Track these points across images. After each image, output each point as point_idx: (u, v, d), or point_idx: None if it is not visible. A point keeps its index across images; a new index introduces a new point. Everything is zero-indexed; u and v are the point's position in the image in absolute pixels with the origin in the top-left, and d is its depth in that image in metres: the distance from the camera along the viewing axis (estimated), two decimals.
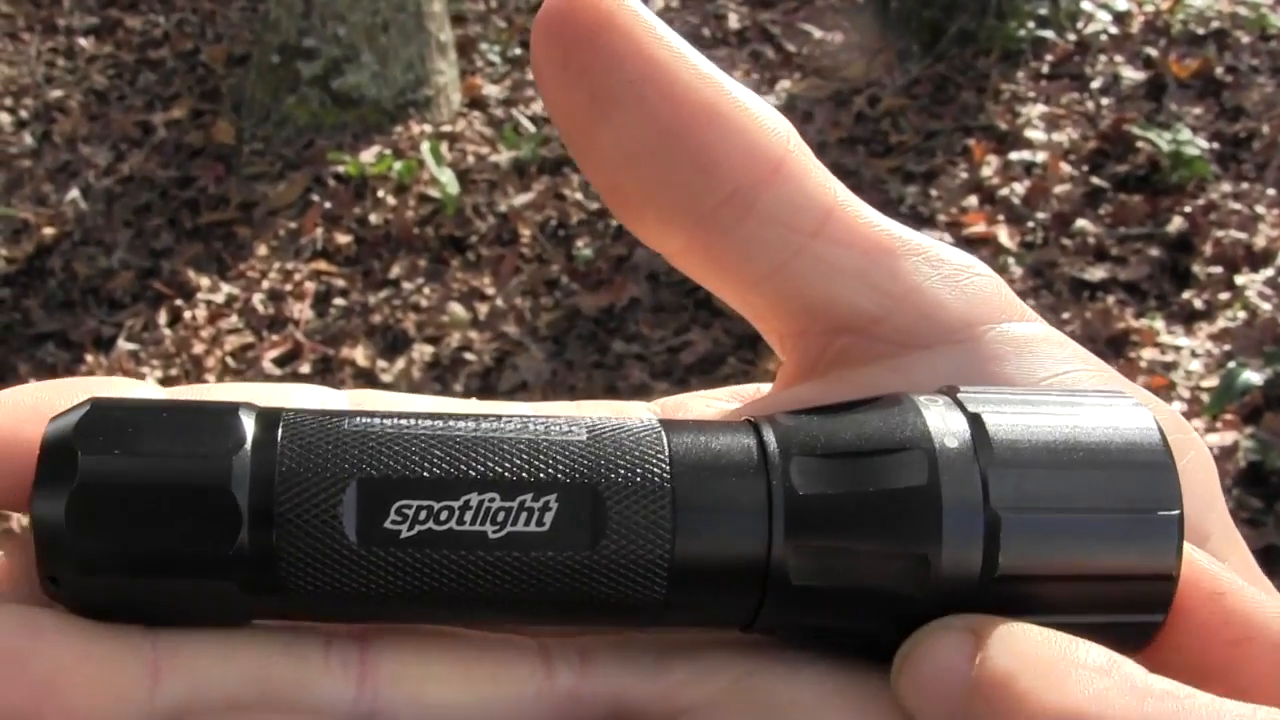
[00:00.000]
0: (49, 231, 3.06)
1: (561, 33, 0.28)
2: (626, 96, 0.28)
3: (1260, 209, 2.69)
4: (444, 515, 0.24)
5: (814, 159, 0.29)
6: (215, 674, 0.25)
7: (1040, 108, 3.07)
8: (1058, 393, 0.27)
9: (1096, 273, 2.59)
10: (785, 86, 3.32)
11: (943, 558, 0.25)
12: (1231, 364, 2.27)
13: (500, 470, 0.25)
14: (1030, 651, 0.23)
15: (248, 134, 3.25)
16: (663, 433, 0.26)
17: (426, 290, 2.79)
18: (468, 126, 3.26)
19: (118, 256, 2.98)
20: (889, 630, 0.25)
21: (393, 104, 3.21)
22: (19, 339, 2.79)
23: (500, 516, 0.25)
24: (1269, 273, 2.54)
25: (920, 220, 2.73)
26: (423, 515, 0.24)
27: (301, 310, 2.76)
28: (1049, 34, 3.26)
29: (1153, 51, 3.21)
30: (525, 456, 0.25)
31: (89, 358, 2.71)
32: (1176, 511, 0.25)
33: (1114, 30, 3.30)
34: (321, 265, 2.88)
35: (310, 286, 2.82)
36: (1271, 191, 2.75)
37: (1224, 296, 2.50)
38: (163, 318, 2.79)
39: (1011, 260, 2.62)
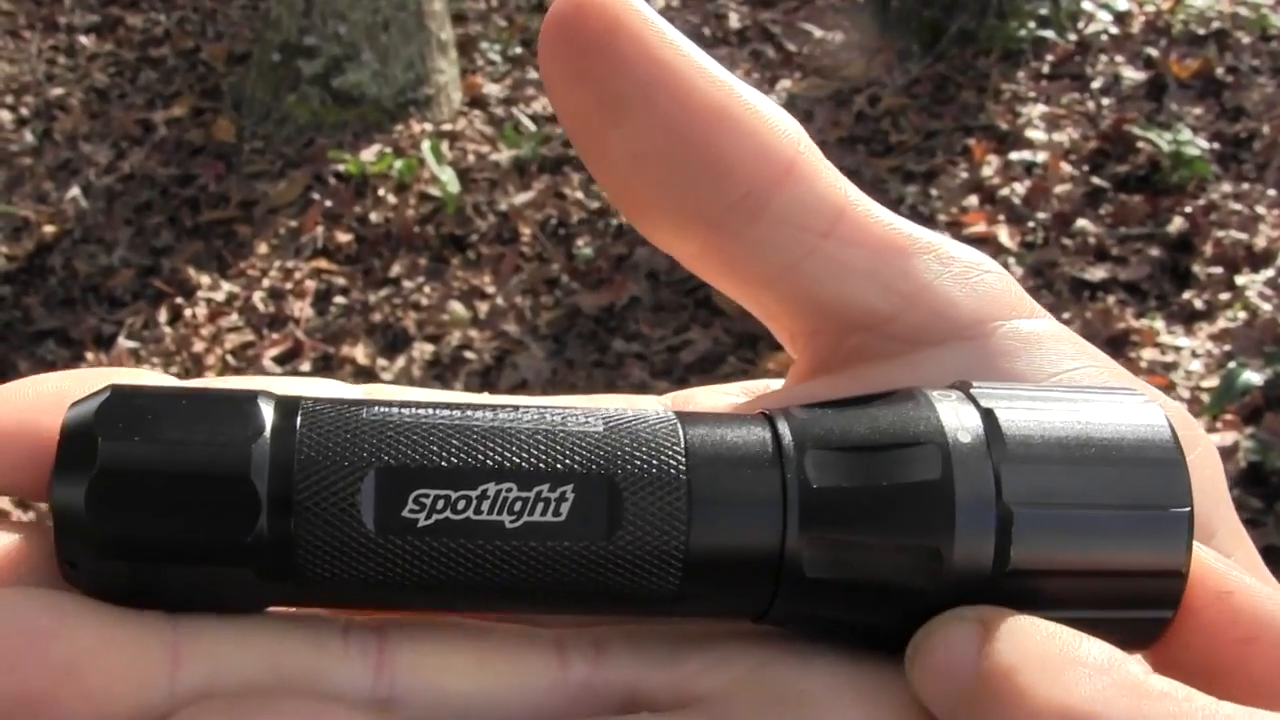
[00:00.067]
0: (49, 229, 3.05)
1: (569, 37, 0.28)
2: (636, 100, 0.28)
3: (1261, 209, 2.69)
4: (461, 504, 0.25)
5: (824, 159, 0.29)
6: (235, 659, 0.25)
7: (1041, 108, 3.07)
8: (1069, 389, 0.27)
9: (1097, 273, 2.59)
10: (786, 86, 3.32)
11: (955, 551, 0.25)
12: (1232, 364, 2.27)
13: (517, 460, 0.25)
14: (1034, 646, 0.24)
15: (248, 132, 3.25)
16: (678, 425, 0.26)
17: (427, 289, 2.79)
18: (468, 125, 3.26)
19: (118, 254, 2.98)
20: (901, 623, 0.26)
21: (393, 102, 3.21)
22: (19, 336, 2.79)
23: (517, 506, 0.25)
24: (1269, 273, 2.54)
25: (920, 220, 2.70)
26: (440, 504, 0.25)
27: (302, 308, 2.76)
28: (1049, 34, 3.26)
29: (1153, 52, 3.22)
30: (542, 447, 0.25)
31: (89, 355, 2.70)
32: (1187, 508, 0.25)
33: (1114, 30, 3.30)
34: (322, 263, 2.88)
35: (310, 285, 2.82)
36: (1272, 192, 2.75)
37: (1224, 297, 2.50)
38: (163, 316, 2.79)
39: (1012, 260, 2.62)
